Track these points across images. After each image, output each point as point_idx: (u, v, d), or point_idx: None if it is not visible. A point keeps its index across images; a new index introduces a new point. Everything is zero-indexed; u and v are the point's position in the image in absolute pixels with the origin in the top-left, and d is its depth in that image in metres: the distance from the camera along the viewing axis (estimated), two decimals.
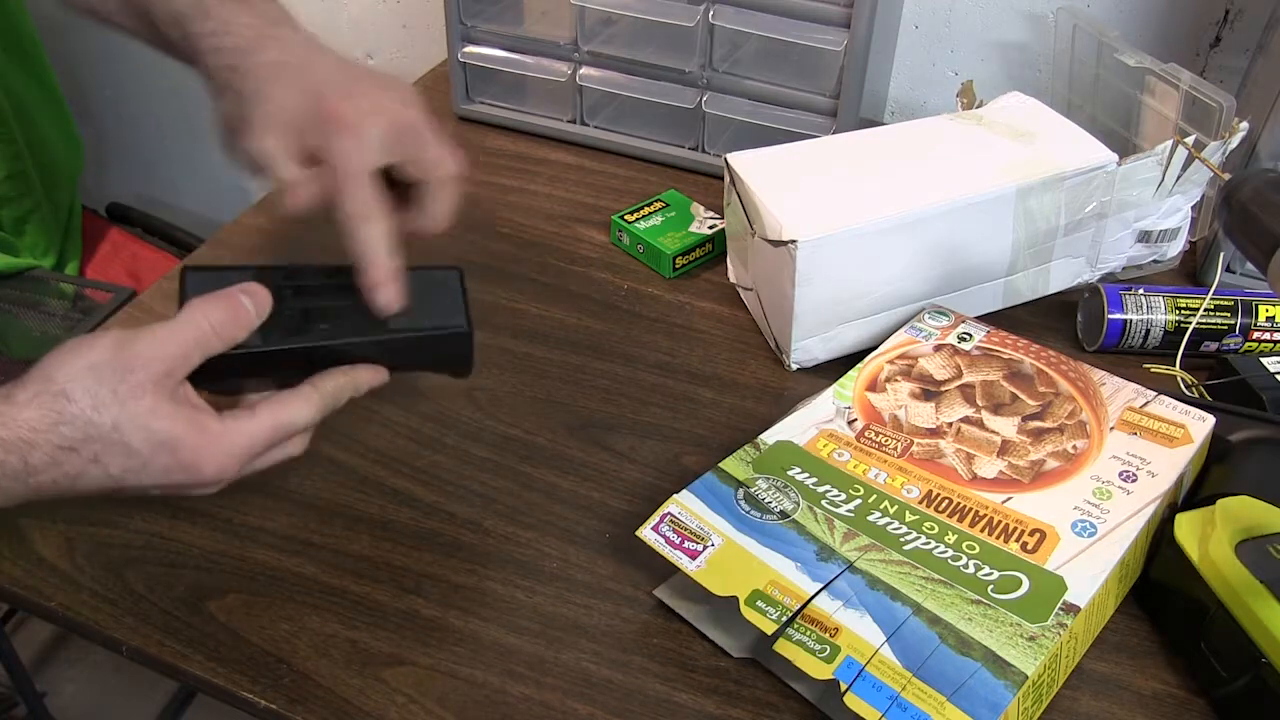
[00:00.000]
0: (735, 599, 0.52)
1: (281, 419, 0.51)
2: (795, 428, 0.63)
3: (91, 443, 0.45)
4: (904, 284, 0.72)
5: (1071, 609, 0.50)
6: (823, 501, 0.57)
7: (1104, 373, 0.64)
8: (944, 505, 0.57)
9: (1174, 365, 0.73)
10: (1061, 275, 0.77)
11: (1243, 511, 0.54)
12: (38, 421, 0.45)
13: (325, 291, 0.55)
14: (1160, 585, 0.57)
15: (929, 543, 0.55)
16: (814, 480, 0.59)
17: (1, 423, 0.44)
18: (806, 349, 0.72)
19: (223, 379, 0.51)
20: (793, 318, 0.69)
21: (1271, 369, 0.69)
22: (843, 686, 0.48)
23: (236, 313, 0.50)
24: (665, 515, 0.56)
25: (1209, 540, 0.53)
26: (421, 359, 0.58)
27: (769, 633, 0.50)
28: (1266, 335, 0.73)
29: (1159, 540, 0.57)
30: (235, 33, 0.57)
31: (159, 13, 0.59)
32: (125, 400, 0.46)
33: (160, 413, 0.47)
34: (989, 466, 0.59)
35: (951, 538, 0.55)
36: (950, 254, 0.72)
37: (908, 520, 0.56)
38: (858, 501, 0.57)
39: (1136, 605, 0.58)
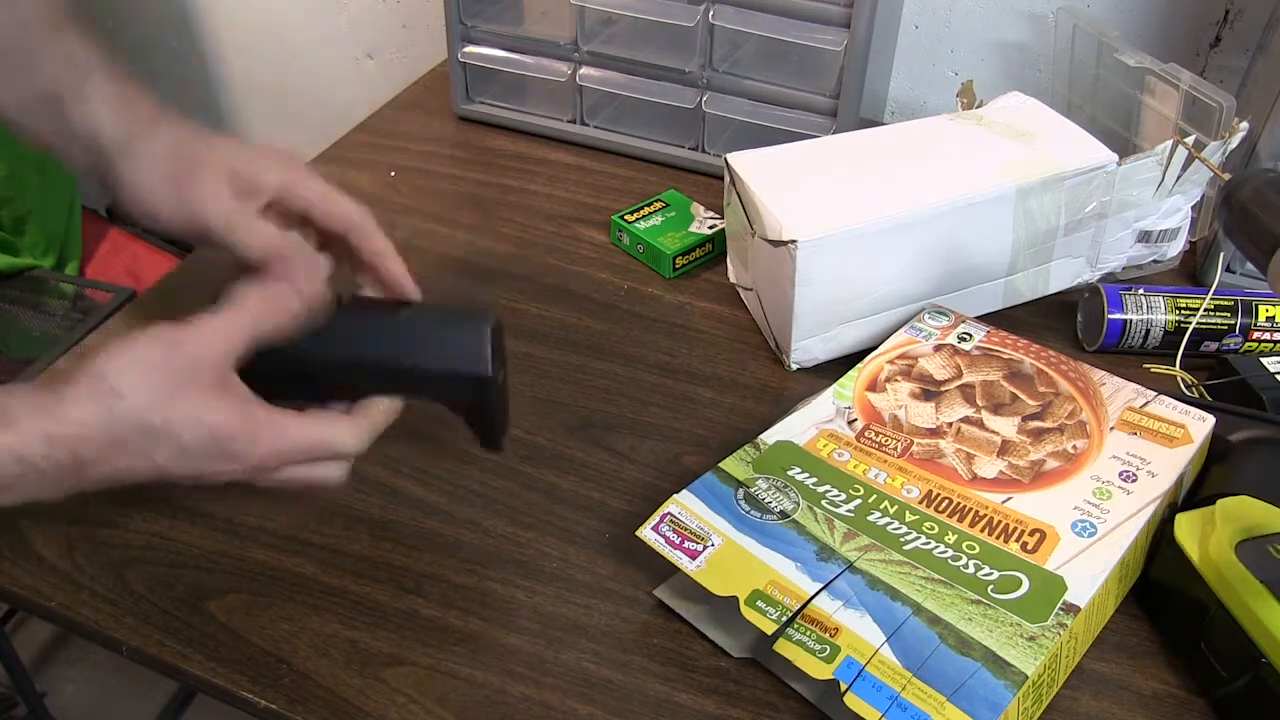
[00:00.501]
0: (735, 599, 0.52)
1: (326, 434, 0.51)
2: (795, 428, 0.63)
3: (142, 438, 0.46)
4: (904, 284, 0.72)
5: (1071, 609, 0.50)
6: (823, 501, 0.57)
7: (1104, 373, 0.64)
8: (944, 505, 0.57)
9: (1174, 365, 0.73)
10: (1061, 275, 0.77)
11: (1243, 511, 0.54)
12: (90, 418, 0.45)
13: (362, 319, 0.55)
14: (1160, 585, 0.57)
15: (929, 543, 0.55)
16: (814, 480, 0.59)
17: (55, 419, 0.45)
18: (806, 349, 0.72)
19: (266, 383, 0.51)
20: (793, 318, 0.69)
21: (1271, 369, 0.69)
22: (843, 686, 0.48)
23: (281, 295, 0.50)
24: (665, 515, 0.56)
25: (1209, 540, 0.53)
26: (442, 395, 0.56)
27: (769, 633, 0.50)
28: (1266, 335, 0.73)
29: (1159, 540, 0.57)
30: (138, 102, 0.56)
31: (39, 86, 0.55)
32: (175, 394, 0.46)
33: (211, 406, 0.47)
34: (989, 466, 0.59)
35: (951, 538, 0.55)
36: (950, 254, 0.72)
37: (908, 520, 0.56)
38: (858, 501, 0.57)
39: (1136, 605, 0.58)
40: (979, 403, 0.63)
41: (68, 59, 0.55)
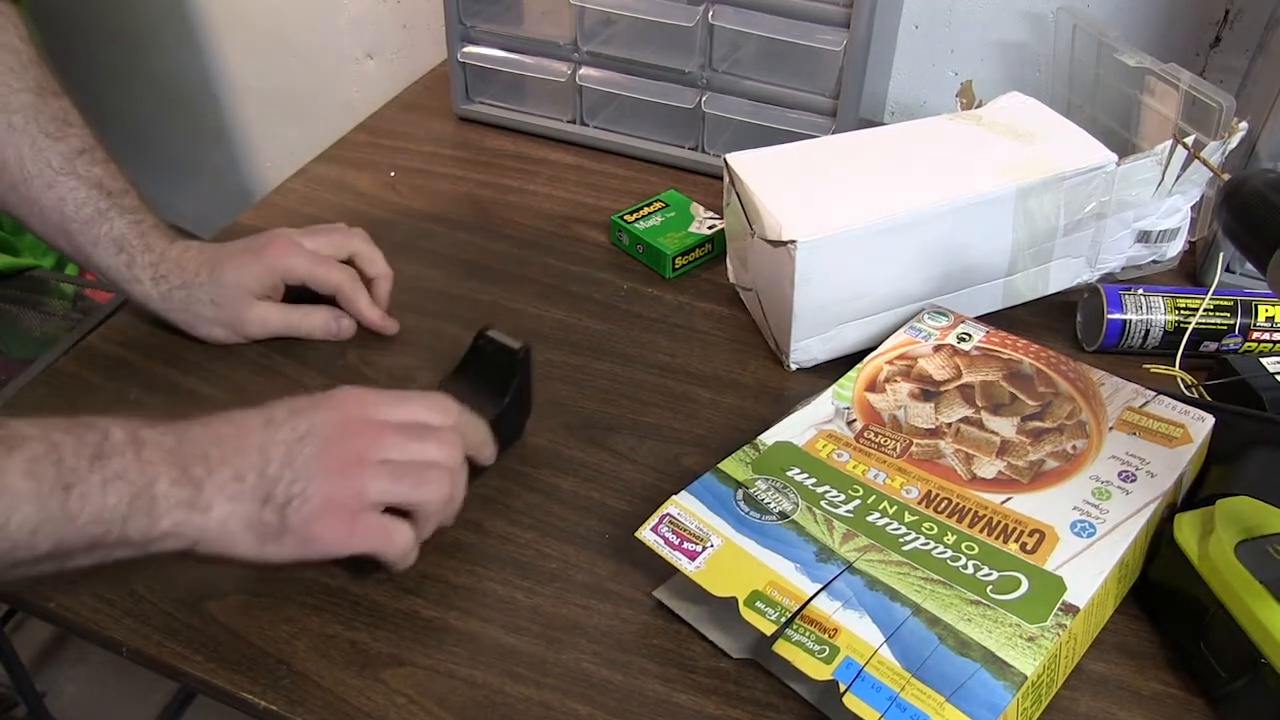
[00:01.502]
0: (734, 600, 0.52)
1: (411, 395, 0.56)
2: (794, 428, 0.63)
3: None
4: (903, 284, 0.72)
5: (1071, 609, 0.50)
6: (822, 502, 0.57)
7: (1103, 373, 0.64)
8: (943, 506, 0.57)
9: (1174, 365, 0.73)
10: (1061, 275, 0.77)
11: (1242, 511, 0.54)
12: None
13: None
14: (1160, 585, 0.57)
15: (928, 543, 0.55)
16: (813, 481, 0.59)
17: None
18: (806, 349, 0.72)
19: None
20: (792, 318, 0.69)
21: (1271, 369, 0.69)
22: (842, 687, 0.48)
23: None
24: (664, 516, 0.56)
25: (1209, 540, 0.53)
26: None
27: (768, 633, 0.50)
28: (1266, 335, 0.73)
29: (1158, 540, 0.57)
30: (163, 246, 0.70)
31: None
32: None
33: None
34: (988, 467, 0.59)
35: (950, 538, 0.55)
36: (950, 254, 0.72)
37: (907, 521, 0.56)
38: (857, 502, 0.57)
39: (1136, 605, 0.58)
40: (978, 403, 0.63)
41: (77, 203, 0.68)
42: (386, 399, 0.55)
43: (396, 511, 0.54)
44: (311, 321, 0.73)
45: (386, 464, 0.53)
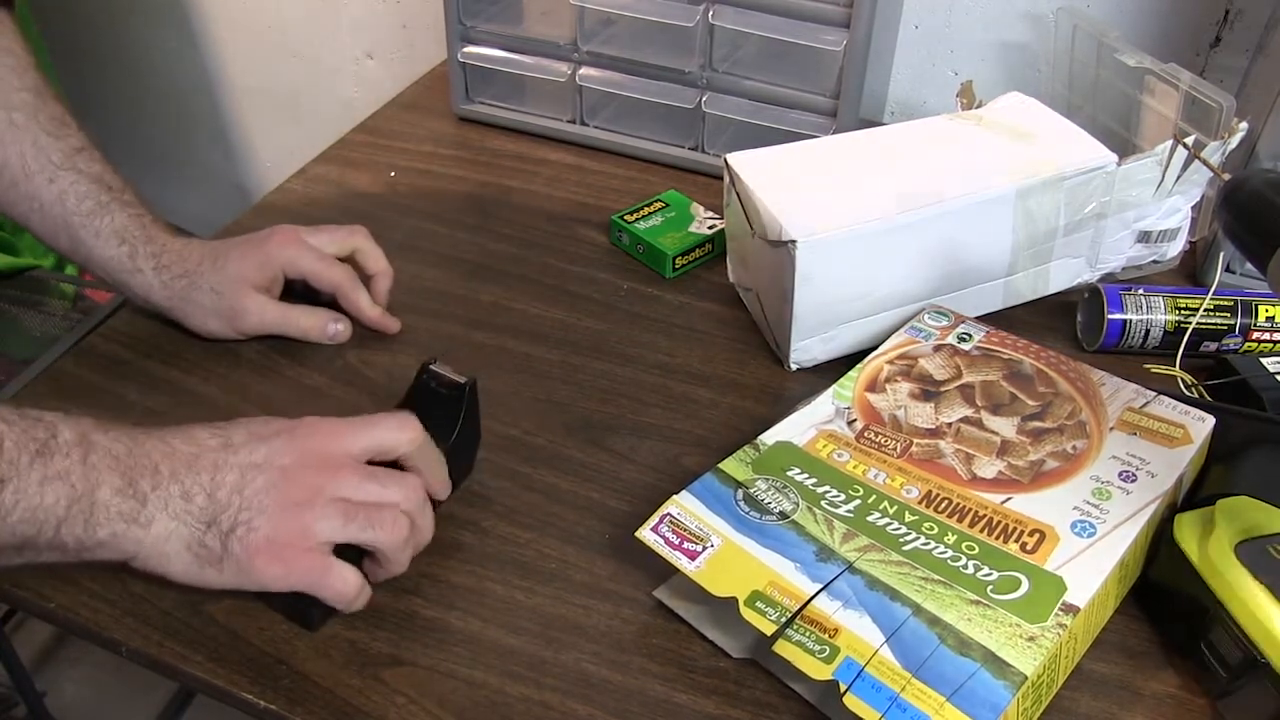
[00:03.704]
0: (734, 600, 0.52)
1: (375, 418, 0.55)
2: (795, 428, 0.63)
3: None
4: (904, 284, 0.72)
5: (1071, 609, 0.50)
6: (822, 502, 0.57)
7: (1104, 373, 0.64)
8: (943, 506, 0.57)
9: (1174, 365, 0.73)
10: (1061, 275, 0.77)
11: (1242, 512, 0.54)
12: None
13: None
14: (1160, 586, 0.57)
15: (928, 543, 0.55)
16: (813, 481, 0.59)
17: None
18: (806, 349, 0.72)
19: None
20: (792, 318, 0.69)
21: (1271, 369, 0.69)
22: (842, 687, 0.48)
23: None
24: (664, 516, 0.56)
25: (1209, 540, 0.53)
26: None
27: (768, 633, 0.50)
28: (1266, 335, 0.73)
29: (1159, 540, 0.57)
30: (163, 242, 0.70)
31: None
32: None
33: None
34: (988, 467, 0.59)
35: (951, 538, 0.55)
36: (950, 254, 0.72)
37: (907, 521, 0.56)
38: (857, 502, 0.57)
39: (1136, 606, 0.58)
40: (978, 403, 0.63)
41: (79, 197, 0.68)
42: (350, 428, 0.54)
43: (357, 551, 0.53)
44: (309, 320, 0.73)
45: (339, 502, 0.51)
